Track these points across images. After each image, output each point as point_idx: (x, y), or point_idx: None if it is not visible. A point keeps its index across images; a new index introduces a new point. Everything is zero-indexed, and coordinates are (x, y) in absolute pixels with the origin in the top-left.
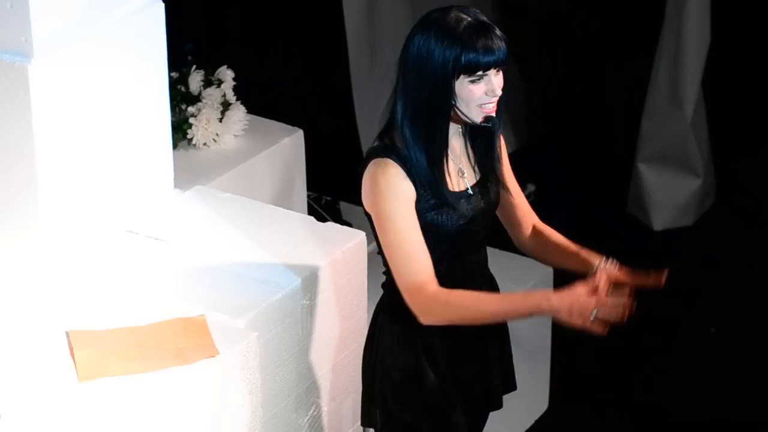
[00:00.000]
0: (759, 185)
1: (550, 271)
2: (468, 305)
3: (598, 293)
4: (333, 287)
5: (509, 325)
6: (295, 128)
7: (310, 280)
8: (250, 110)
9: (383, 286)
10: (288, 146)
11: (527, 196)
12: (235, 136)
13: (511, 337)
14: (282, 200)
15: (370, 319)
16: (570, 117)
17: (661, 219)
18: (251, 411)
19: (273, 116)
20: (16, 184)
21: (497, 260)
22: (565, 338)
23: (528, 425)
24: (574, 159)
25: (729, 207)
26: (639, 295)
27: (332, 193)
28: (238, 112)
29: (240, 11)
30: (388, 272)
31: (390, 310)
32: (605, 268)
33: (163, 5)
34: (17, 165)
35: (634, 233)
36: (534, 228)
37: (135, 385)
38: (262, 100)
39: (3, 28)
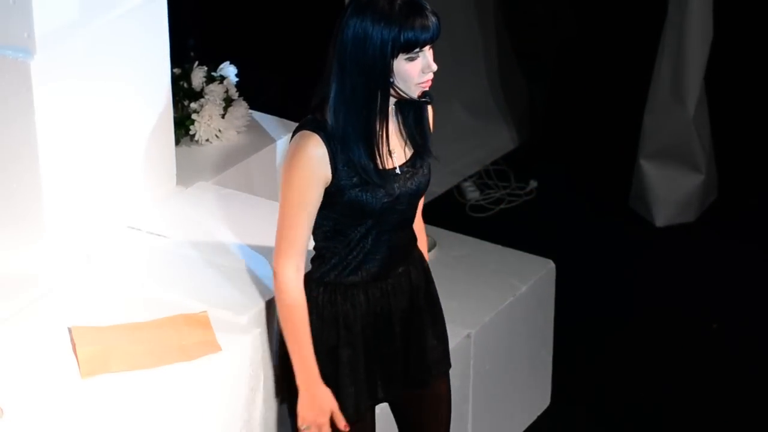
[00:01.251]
0: (761, 181)
1: (552, 267)
2: (284, 314)
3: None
4: None
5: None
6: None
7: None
8: (253, 106)
9: (311, 260)
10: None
11: (529, 193)
12: (238, 132)
13: (513, 334)
14: None
15: None
16: (572, 113)
17: (663, 215)
18: (254, 407)
19: (275, 112)
20: (19, 179)
21: (500, 256)
22: (568, 335)
23: (529, 422)
24: (576, 155)
25: (731, 203)
26: (641, 292)
27: None
28: (241, 108)
29: (242, 6)
30: (315, 246)
31: (316, 284)
32: None
33: (165, 1)
34: (20, 161)
35: (636, 229)
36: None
37: (137, 382)
38: (264, 96)
39: (5, 24)
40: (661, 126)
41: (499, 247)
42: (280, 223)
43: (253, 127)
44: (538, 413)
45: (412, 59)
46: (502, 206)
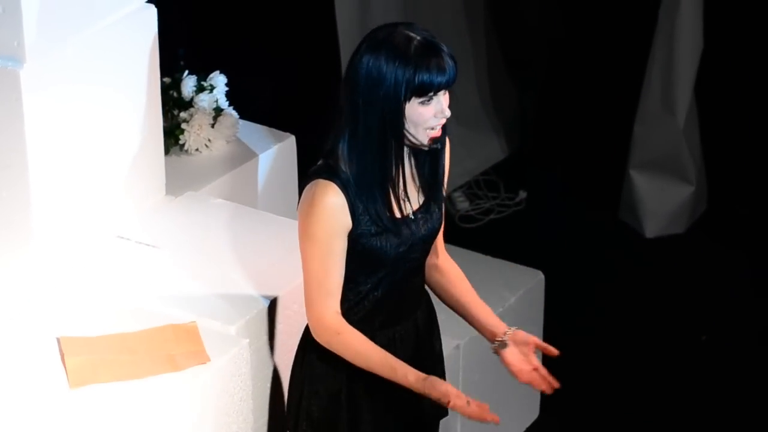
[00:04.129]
0: (751, 192)
1: (541, 278)
2: (353, 346)
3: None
4: None
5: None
6: (287, 134)
7: (302, 287)
8: (243, 115)
9: None
10: (280, 152)
11: (518, 203)
12: (227, 141)
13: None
14: (274, 206)
15: None
16: (562, 123)
17: (653, 226)
18: (242, 418)
19: (265, 122)
20: (8, 188)
21: (489, 267)
22: (557, 346)
23: None
24: (566, 165)
25: (721, 214)
26: (630, 303)
27: None
28: (231, 117)
29: (232, 16)
30: None
31: None
32: (513, 339)
33: (155, 10)
34: (9, 169)
35: (626, 240)
36: (440, 261)
37: (126, 392)
38: (254, 105)
39: None
40: (651, 136)
41: (489, 257)
42: (308, 277)
43: (243, 136)
44: (527, 425)
45: (424, 103)
46: (491, 216)
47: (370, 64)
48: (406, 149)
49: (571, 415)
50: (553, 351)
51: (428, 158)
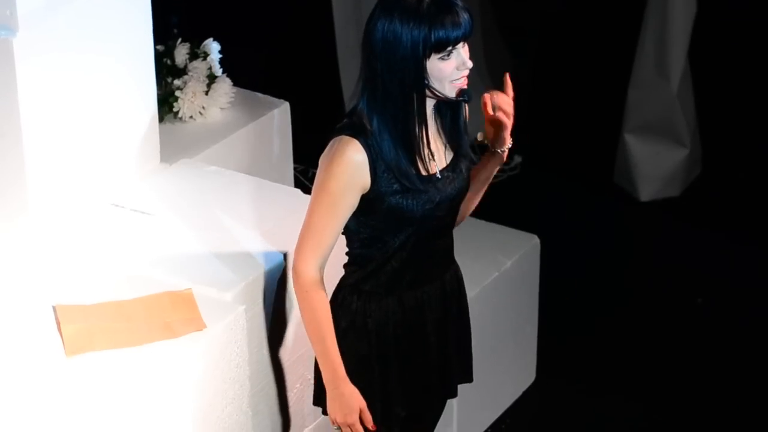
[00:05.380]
0: (745, 155)
1: (536, 242)
2: (311, 310)
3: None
4: None
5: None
6: (282, 100)
7: None
8: (236, 83)
9: (345, 266)
10: (274, 119)
11: (513, 168)
12: (222, 109)
13: (498, 309)
14: (269, 173)
15: None
16: (556, 89)
17: (647, 190)
18: (239, 384)
19: (259, 89)
20: (2, 157)
21: (485, 231)
22: (553, 310)
23: (515, 397)
24: (561, 130)
25: (715, 177)
26: (625, 267)
27: None
28: (224, 84)
29: None
30: (350, 252)
31: (350, 291)
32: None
33: None
34: (3, 138)
35: (621, 204)
36: None
37: (122, 359)
38: (248, 72)
39: None
40: (646, 101)
41: (484, 222)
42: (308, 223)
43: (237, 103)
44: (524, 388)
45: (444, 58)
46: None
47: (386, 28)
48: (429, 107)
49: (568, 378)
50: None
51: (449, 112)
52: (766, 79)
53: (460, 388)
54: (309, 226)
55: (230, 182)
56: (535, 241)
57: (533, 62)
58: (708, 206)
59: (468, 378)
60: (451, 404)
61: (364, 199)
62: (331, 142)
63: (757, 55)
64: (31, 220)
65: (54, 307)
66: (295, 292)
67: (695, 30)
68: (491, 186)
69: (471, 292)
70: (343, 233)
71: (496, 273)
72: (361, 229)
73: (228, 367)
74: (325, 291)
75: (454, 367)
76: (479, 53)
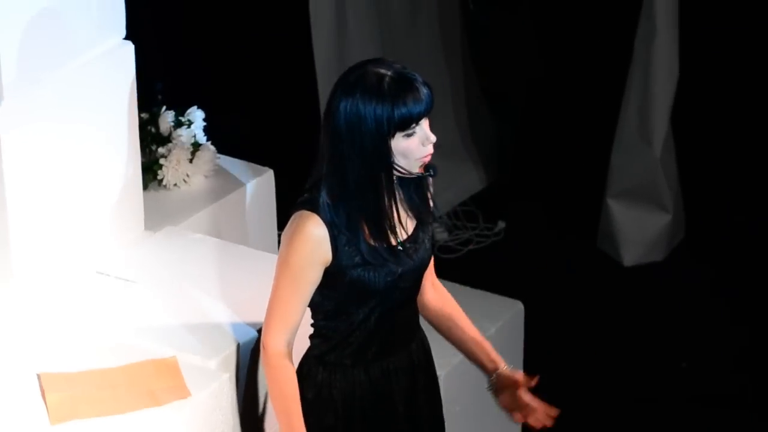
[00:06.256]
0: (728, 220)
1: (520, 308)
2: (278, 385)
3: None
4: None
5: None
6: (265, 168)
7: None
8: (221, 150)
9: (310, 338)
10: (258, 186)
11: (497, 233)
12: (206, 176)
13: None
14: (253, 240)
15: None
16: (540, 154)
17: (631, 255)
18: None
19: (243, 156)
20: None
21: (469, 297)
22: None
23: None
24: (544, 195)
25: (699, 242)
26: (610, 332)
27: None
28: (208, 152)
29: (209, 51)
30: (315, 324)
31: (315, 362)
32: (511, 375)
33: (132, 47)
34: None
35: (604, 269)
36: (435, 289)
37: (107, 428)
38: (232, 140)
39: None
40: (628, 166)
41: (468, 288)
42: (273, 299)
43: (221, 171)
44: None
45: (409, 135)
46: (470, 247)
47: (348, 108)
48: (394, 181)
49: None
50: (531, 382)
51: (413, 184)
52: (749, 144)
53: None
54: (274, 301)
55: (214, 249)
56: (519, 306)
57: (517, 128)
58: (692, 271)
59: None
60: None
61: (327, 272)
62: (292, 218)
63: (739, 121)
64: (15, 287)
65: (38, 375)
66: (263, 366)
67: (677, 95)
68: (475, 252)
69: (455, 358)
70: (308, 305)
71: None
72: (325, 301)
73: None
74: (292, 365)
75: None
76: (463, 118)
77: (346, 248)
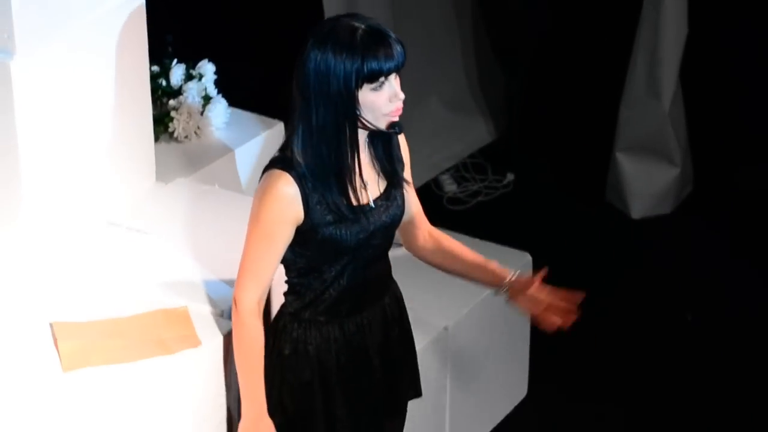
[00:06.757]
0: (735, 173)
1: (528, 260)
2: (244, 343)
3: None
4: None
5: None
6: (276, 120)
7: None
8: (231, 103)
9: (285, 294)
10: (269, 139)
11: (506, 185)
12: (216, 129)
13: (490, 327)
14: None
15: None
16: (548, 107)
17: (639, 207)
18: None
19: (254, 109)
20: None
21: (477, 249)
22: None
23: (507, 411)
24: (553, 148)
25: (706, 195)
26: (617, 283)
27: None
28: (219, 105)
29: (221, 3)
30: (289, 282)
31: (290, 319)
32: (522, 279)
33: (144, 1)
34: (0, 158)
35: (612, 222)
36: (431, 236)
37: (118, 375)
38: (242, 90)
39: None
40: (637, 120)
41: (477, 240)
42: (244, 256)
43: (232, 123)
44: (516, 403)
45: (376, 89)
46: (479, 199)
47: (318, 58)
48: (361, 137)
49: (559, 393)
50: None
51: (381, 142)
52: (756, 98)
53: (454, 402)
54: (246, 258)
55: (225, 201)
56: (527, 258)
57: (526, 82)
58: (699, 224)
59: (417, 393)
60: (444, 418)
61: (299, 230)
62: (263, 177)
63: (748, 75)
64: (27, 237)
65: (51, 324)
66: (232, 321)
67: (686, 50)
68: (484, 204)
69: (464, 308)
70: (282, 263)
71: (488, 290)
72: (298, 259)
73: (222, 384)
74: (261, 324)
75: (401, 384)
76: (473, 72)
77: (318, 206)
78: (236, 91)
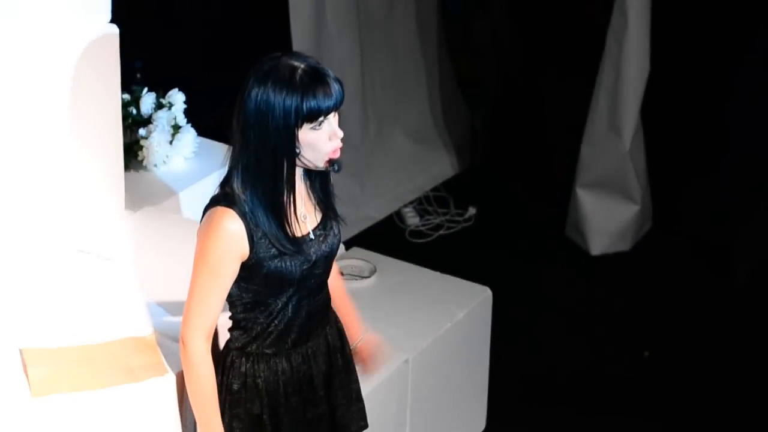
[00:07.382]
0: (694, 212)
1: (489, 294)
2: (192, 382)
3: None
4: None
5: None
6: None
7: None
8: (200, 133)
9: (229, 330)
10: None
11: (467, 219)
12: (185, 158)
13: (450, 360)
14: None
15: None
16: (511, 142)
17: (598, 244)
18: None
19: (222, 139)
20: None
21: (438, 283)
22: (503, 360)
23: None
24: (515, 183)
25: (665, 233)
26: (575, 319)
27: None
28: (189, 135)
29: (189, 28)
30: (234, 317)
31: (238, 354)
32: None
33: (117, 30)
34: None
35: (572, 257)
36: (336, 274)
37: (86, 402)
38: (210, 120)
39: None
40: (598, 157)
41: (438, 273)
42: (190, 296)
43: (201, 153)
44: None
45: (316, 128)
46: (441, 232)
47: (259, 96)
48: (298, 171)
49: (518, 426)
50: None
51: (317, 176)
52: (716, 137)
53: None
54: (193, 297)
55: (193, 230)
56: (487, 293)
57: (490, 116)
58: (657, 261)
59: (364, 425)
60: None
61: (244, 265)
62: (207, 214)
63: (708, 114)
64: None
65: (21, 350)
66: (182, 362)
67: (648, 88)
68: (445, 237)
69: (424, 341)
70: (226, 299)
71: (449, 324)
72: (243, 294)
73: (189, 413)
74: (210, 361)
75: (346, 416)
76: (437, 106)
77: (262, 241)
78: (204, 118)
